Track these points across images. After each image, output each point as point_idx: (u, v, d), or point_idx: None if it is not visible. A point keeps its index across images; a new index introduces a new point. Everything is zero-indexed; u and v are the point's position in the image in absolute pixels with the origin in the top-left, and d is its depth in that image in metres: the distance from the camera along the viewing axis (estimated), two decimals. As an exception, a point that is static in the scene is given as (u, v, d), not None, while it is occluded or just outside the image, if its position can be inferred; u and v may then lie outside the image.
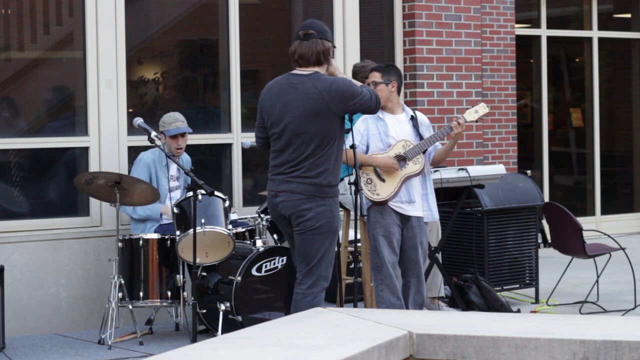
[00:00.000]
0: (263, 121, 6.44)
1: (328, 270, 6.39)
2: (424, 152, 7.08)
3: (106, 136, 8.36)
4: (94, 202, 8.24)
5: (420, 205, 7.10)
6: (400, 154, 7.08)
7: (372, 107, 6.34)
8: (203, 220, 7.28)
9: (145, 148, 8.05)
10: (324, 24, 6.46)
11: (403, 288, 7.15)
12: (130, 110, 8.56)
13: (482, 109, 7.25)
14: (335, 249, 6.58)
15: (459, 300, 8.23)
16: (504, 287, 8.71)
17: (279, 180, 6.32)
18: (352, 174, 7.03)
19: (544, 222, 10.19)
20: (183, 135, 7.95)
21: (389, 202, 7.01)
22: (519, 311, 8.26)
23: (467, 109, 7.29)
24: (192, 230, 6.93)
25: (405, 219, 7.06)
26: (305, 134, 6.24)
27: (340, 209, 7.82)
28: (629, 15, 13.55)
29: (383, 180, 7.00)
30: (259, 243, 7.59)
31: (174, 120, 7.93)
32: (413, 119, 7.21)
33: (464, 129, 7.08)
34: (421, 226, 7.13)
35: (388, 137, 7.06)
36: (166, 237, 7.69)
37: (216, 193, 7.32)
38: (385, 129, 7.08)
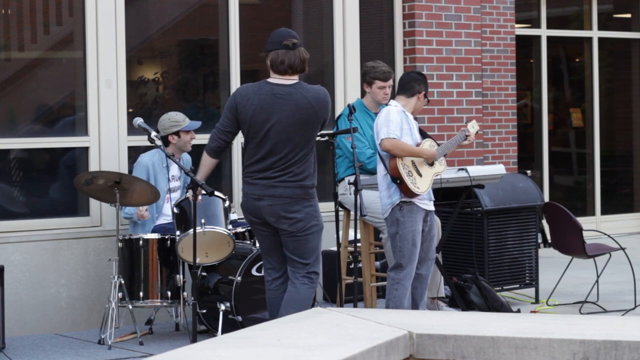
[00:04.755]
0: (233, 127, 6.45)
1: (320, 265, 6.65)
2: (444, 155, 7.29)
3: (106, 136, 8.35)
4: (94, 202, 8.23)
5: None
6: None
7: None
8: (203, 220, 7.28)
9: (145, 148, 8.05)
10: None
11: (412, 281, 7.24)
12: (130, 110, 8.56)
13: (476, 124, 7.56)
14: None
15: (459, 300, 8.23)
16: (504, 287, 8.70)
17: (263, 184, 6.38)
18: (353, 174, 7.04)
19: (544, 222, 10.18)
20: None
21: (417, 199, 7.09)
22: (519, 311, 8.26)
23: (466, 125, 7.56)
24: (192, 230, 6.92)
25: (426, 215, 7.22)
26: (292, 141, 6.33)
27: (341, 209, 7.84)
28: (629, 15, 13.55)
29: (420, 175, 7.09)
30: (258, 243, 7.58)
31: (183, 117, 7.98)
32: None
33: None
34: (435, 219, 7.37)
35: (414, 133, 7.16)
36: (166, 237, 7.68)
37: (216, 193, 7.32)
38: (412, 126, 7.21)
